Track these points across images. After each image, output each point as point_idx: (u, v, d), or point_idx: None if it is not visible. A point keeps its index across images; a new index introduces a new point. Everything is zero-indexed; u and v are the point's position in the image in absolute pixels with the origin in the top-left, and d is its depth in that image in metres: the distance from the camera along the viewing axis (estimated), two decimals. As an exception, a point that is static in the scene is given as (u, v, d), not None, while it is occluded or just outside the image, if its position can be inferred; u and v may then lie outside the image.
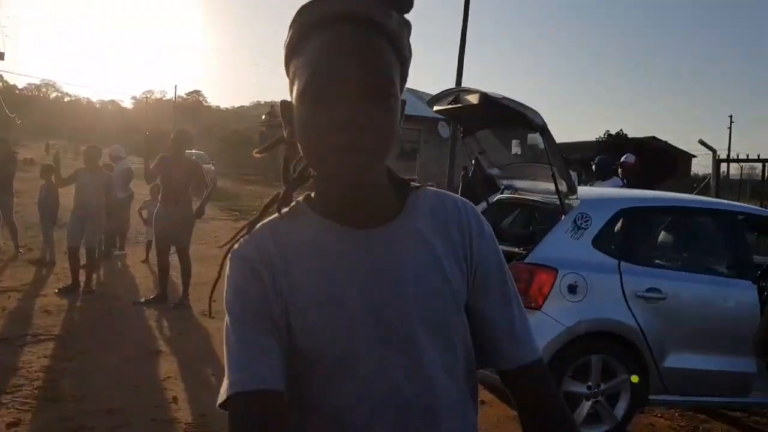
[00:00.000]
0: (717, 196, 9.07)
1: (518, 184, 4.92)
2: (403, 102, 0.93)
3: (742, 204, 5.59)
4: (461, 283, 0.96)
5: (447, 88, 4.68)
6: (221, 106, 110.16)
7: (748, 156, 10.43)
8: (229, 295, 0.92)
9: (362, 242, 0.92)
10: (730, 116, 51.52)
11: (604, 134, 31.89)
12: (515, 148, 5.51)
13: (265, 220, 0.97)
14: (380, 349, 0.90)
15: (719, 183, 9.98)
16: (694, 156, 28.60)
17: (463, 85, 17.69)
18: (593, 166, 7.47)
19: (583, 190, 4.37)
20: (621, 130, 31.71)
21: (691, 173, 32.16)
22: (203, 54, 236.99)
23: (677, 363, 3.98)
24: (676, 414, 4.64)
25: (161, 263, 6.99)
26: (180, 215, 6.79)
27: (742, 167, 11.67)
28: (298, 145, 0.90)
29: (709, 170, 12.13)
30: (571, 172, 4.04)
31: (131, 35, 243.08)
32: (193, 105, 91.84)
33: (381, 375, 0.90)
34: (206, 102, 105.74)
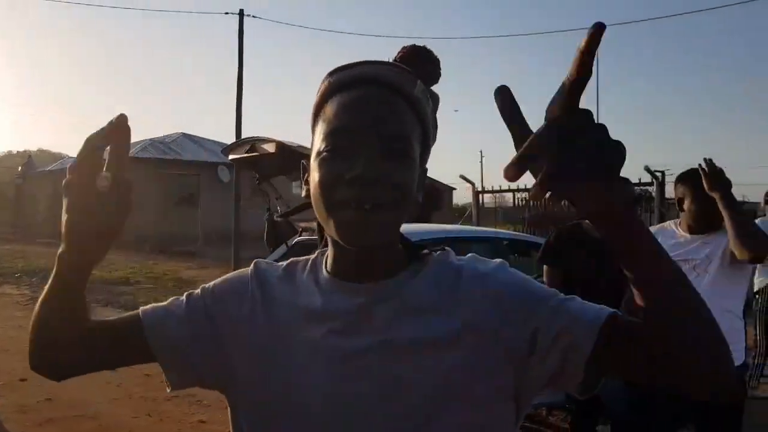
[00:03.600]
0: (478, 224, 10.25)
1: (315, 225, 5.19)
2: (424, 171, 0.92)
3: (503, 230, 6.46)
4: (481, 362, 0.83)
5: (231, 133, 4.81)
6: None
7: (500, 187, 11.88)
8: (218, 281, 0.99)
9: (360, 293, 0.89)
10: (481, 151, 57.79)
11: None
12: (297, 189, 5.77)
13: (292, 259, 0.99)
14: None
15: (479, 212, 11.27)
16: (454, 188, 31.59)
17: (243, 128, 17.78)
18: None
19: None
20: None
21: (453, 204, 35.39)
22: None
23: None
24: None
25: None
26: None
27: (495, 197, 13.18)
28: (313, 205, 0.88)
29: (466, 200, 13.55)
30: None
31: None
32: None
33: None
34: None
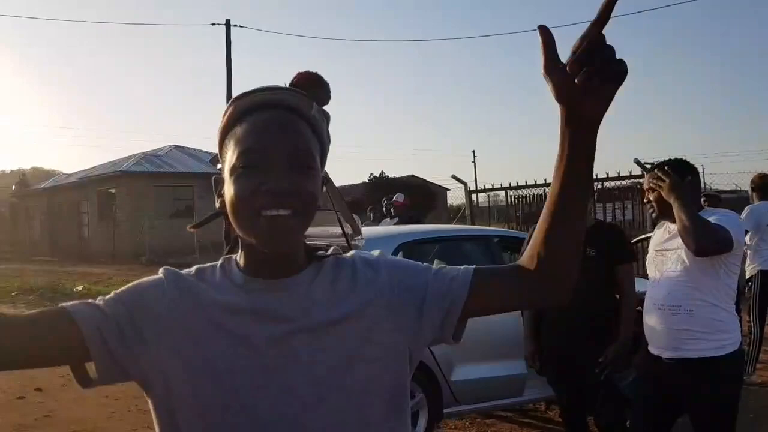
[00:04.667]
0: (472, 223, 10.26)
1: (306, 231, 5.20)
2: (324, 178, 1.06)
3: (495, 228, 6.47)
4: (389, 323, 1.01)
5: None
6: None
7: (492, 185, 11.91)
8: (128, 288, 1.01)
9: (274, 290, 0.99)
10: (473, 151, 57.93)
11: (370, 177, 33.77)
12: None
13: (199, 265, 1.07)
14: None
15: (473, 211, 11.29)
16: (448, 189, 31.60)
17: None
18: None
19: (366, 231, 4.78)
20: (383, 171, 33.94)
21: (448, 205, 35.37)
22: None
23: (464, 375, 4.46)
24: (467, 422, 5.15)
25: None
26: None
27: (489, 196, 13.21)
28: (229, 215, 0.99)
29: (461, 201, 13.59)
30: (354, 215, 4.41)
31: None
32: None
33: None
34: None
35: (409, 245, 4.71)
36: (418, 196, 23.91)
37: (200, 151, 28.22)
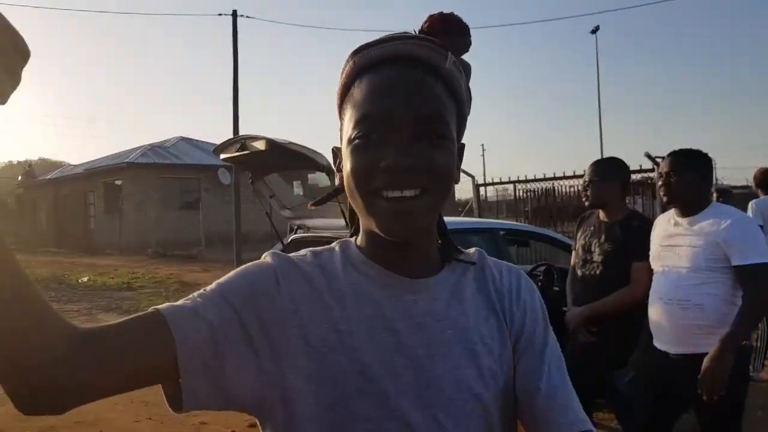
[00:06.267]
0: (480, 217, 10.20)
1: (309, 222, 5.16)
2: (462, 146, 0.90)
3: (501, 221, 6.42)
4: (500, 347, 0.89)
5: (228, 135, 4.78)
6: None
7: (501, 179, 11.84)
8: (233, 275, 0.84)
9: (407, 291, 0.86)
10: (482, 145, 57.84)
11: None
12: (297, 189, 5.75)
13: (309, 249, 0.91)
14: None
15: (480, 205, 11.22)
16: (456, 183, 31.58)
17: (240, 129, 17.76)
18: None
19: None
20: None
21: (456, 199, 35.34)
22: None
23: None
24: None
25: None
26: None
27: (497, 189, 13.14)
28: (347, 193, 0.84)
29: (469, 195, 13.53)
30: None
31: None
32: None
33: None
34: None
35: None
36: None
37: (207, 142, 28.22)
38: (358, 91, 0.82)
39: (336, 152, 0.89)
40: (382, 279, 0.86)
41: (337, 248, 0.90)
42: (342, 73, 0.85)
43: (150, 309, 0.78)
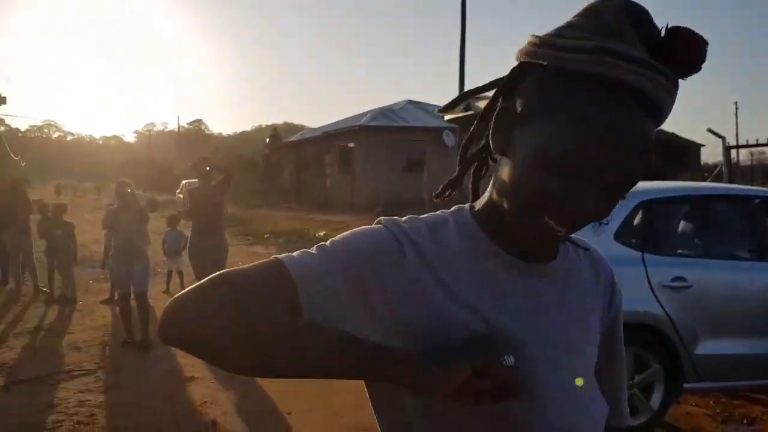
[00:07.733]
0: (730, 183, 9.10)
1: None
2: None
3: (757, 188, 5.63)
4: (597, 335, 0.94)
5: (453, 94, 4.73)
6: (223, 133, 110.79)
7: (757, 141, 10.47)
8: (356, 235, 0.81)
9: (532, 275, 0.85)
10: (736, 102, 51.65)
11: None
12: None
13: (421, 218, 0.87)
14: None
15: (731, 170, 10.02)
16: (702, 145, 28.42)
17: (466, 87, 17.73)
18: None
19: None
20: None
21: (702, 163, 31.98)
22: (202, 82, 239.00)
23: (708, 350, 4.00)
24: (711, 401, 4.65)
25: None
26: (216, 245, 6.58)
27: (752, 153, 11.72)
28: (503, 162, 0.81)
29: (718, 159, 12.19)
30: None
31: (130, 69, 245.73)
32: (195, 134, 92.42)
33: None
34: (208, 130, 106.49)
35: (651, 204, 4.23)
36: (664, 152, 22.00)
37: (433, 105, 28.83)
38: (591, 109, 0.71)
39: (500, 116, 0.82)
40: (502, 261, 0.84)
41: (451, 220, 0.86)
42: (577, 54, 0.72)
43: (272, 259, 0.78)
